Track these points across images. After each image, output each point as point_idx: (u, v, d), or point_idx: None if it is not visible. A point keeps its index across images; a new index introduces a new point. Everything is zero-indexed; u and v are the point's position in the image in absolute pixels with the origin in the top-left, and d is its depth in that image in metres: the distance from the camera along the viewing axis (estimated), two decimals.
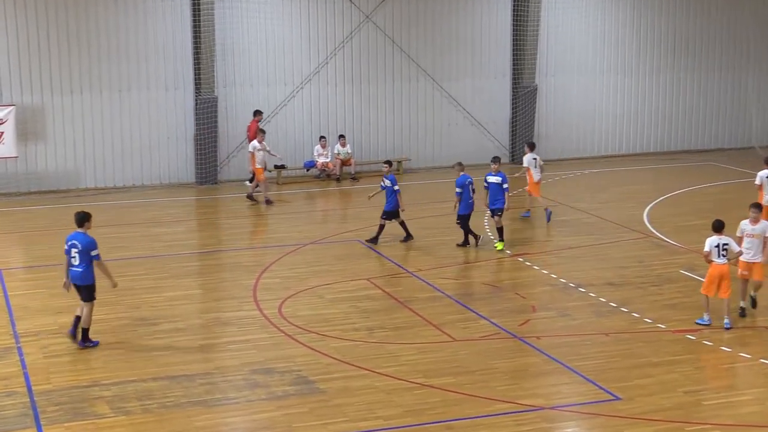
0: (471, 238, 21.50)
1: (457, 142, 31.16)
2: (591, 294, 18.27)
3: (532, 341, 15.88)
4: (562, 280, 19.16)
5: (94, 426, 12.83)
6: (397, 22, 30.21)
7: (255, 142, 26.23)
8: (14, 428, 12.81)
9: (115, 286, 15.72)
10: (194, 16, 27.95)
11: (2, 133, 26.48)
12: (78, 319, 15.57)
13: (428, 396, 13.74)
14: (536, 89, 31.56)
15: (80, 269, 15.34)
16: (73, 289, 15.64)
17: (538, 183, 24.07)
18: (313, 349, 15.51)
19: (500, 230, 21.34)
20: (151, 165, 28.46)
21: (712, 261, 16.31)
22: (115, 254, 20.32)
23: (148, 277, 19.06)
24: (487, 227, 22.91)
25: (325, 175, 29.48)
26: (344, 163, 29.42)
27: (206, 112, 28.23)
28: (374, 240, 21.75)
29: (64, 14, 27.10)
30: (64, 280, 15.58)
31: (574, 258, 20.78)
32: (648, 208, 25.44)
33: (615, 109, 33.09)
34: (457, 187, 21.26)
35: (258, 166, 26.10)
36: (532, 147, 24.44)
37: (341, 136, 29.51)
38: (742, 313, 16.97)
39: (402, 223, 21.86)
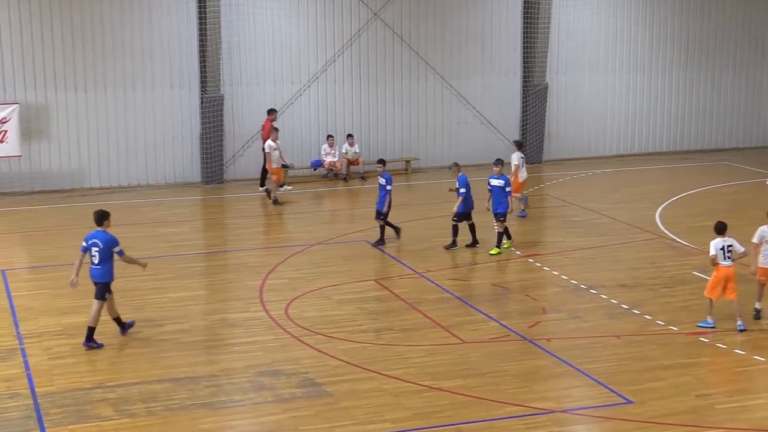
0: (456, 238, 21.38)
1: (467, 141, 31.04)
2: (602, 296, 18.20)
3: (543, 343, 15.80)
4: (573, 281, 19.07)
5: (98, 428, 12.81)
6: (406, 19, 30.13)
7: (270, 142, 26.02)
8: (17, 430, 12.81)
9: (145, 266, 16.13)
10: (200, 13, 27.89)
11: (5, 131, 26.40)
12: (117, 320, 15.93)
13: (437, 399, 13.68)
14: (547, 87, 31.42)
15: (99, 267, 15.47)
16: (82, 287, 15.72)
17: (523, 183, 24.07)
18: (320, 351, 15.45)
19: (500, 235, 21.17)
20: (156, 164, 28.38)
21: (718, 264, 16.21)
22: None
23: (153, 278, 18.95)
24: (496, 226, 22.72)
25: (333, 175, 29.40)
26: (352, 162, 29.26)
27: (212, 111, 28.15)
28: (380, 241, 21.66)
29: (68, 11, 27.05)
30: (73, 277, 15.60)
31: (585, 259, 20.71)
32: (660, 208, 25.33)
33: (627, 108, 32.96)
34: (461, 187, 21.13)
35: (275, 165, 25.87)
36: (519, 146, 24.59)
37: (349, 136, 29.39)
38: (757, 315, 16.84)
39: (383, 225, 21.68)
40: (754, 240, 16.52)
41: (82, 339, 15.60)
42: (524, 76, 31.49)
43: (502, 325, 16.63)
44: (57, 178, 27.57)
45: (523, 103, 31.63)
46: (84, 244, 15.56)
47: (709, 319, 16.40)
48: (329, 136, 29.30)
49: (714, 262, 16.25)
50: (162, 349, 15.57)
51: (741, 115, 34.32)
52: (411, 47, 30.23)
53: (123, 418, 13.06)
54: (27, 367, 14.75)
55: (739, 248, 16.27)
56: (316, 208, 26.75)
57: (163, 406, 13.39)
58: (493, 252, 20.97)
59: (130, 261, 15.89)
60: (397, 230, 21.94)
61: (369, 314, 17.24)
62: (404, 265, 20.25)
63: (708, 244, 16.43)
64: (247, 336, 16.16)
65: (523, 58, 31.37)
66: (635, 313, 17.23)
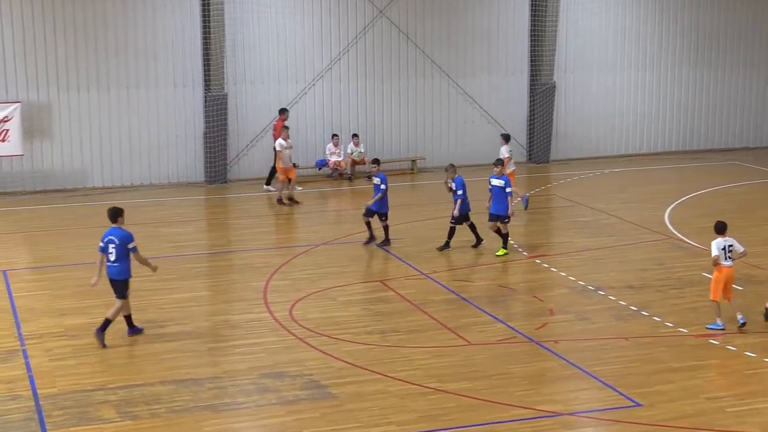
0: (454, 238, 21.30)
1: (473, 141, 30.92)
2: (610, 297, 18.13)
3: (550, 345, 15.74)
4: (580, 282, 19.00)
5: (100, 431, 12.78)
6: (412, 17, 30.02)
7: (281, 141, 25.87)
8: None
9: (155, 269, 16.19)
10: (204, 11, 27.81)
11: (7, 130, 26.32)
12: (128, 318, 15.97)
13: (443, 401, 13.63)
14: (555, 86, 31.31)
15: (117, 264, 15.55)
16: (99, 287, 15.78)
17: (512, 174, 24.09)
18: (324, 352, 15.41)
19: (506, 236, 21.05)
20: (159, 164, 28.31)
21: (720, 264, 16.17)
22: None
23: (156, 279, 18.86)
24: (489, 226, 22.65)
25: (338, 175, 29.30)
26: (357, 162, 29.13)
27: (216, 110, 28.05)
28: (386, 242, 21.57)
29: (71, 9, 26.98)
30: (94, 278, 15.68)
31: (592, 260, 20.64)
32: (669, 208, 25.25)
33: (636, 107, 32.82)
34: (458, 189, 21.04)
35: (284, 165, 25.71)
36: (507, 139, 24.93)
37: (355, 136, 29.28)
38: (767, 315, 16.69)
39: (368, 224, 21.56)
40: None
41: (84, 340, 15.68)
42: (531, 75, 31.38)
43: (508, 326, 16.57)
44: (59, 177, 27.50)
45: (530, 102, 31.52)
46: (101, 243, 15.64)
47: (719, 321, 16.33)
48: (334, 135, 29.19)
49: (716, 263, 16.20)
50: (165, 350, 15.53)
51: (752, 114, 34.15)
52: (417, 45, 30.11)
53: (125, 420, 13.03)
54: (28, 369, 14.71)
55: (739, 248, 16.27)
56: (321, 208, 26.69)
57: (167, 408, 13.35)
58: (499, 253, 20.85)
59: (142, 261, 15.89)
60: (371, 238, 21.61)
61: (374, 315, 17.19)
62: (410, 265, 20.17)
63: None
64: (250, 337, 16.11)
65: (531, 57, 31.25)
66: (643, 314, 17.15)
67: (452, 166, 21.53)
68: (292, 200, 25.95)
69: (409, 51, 30.10)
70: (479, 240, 21.28)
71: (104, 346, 15.51)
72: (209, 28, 27.64)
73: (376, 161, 22.41)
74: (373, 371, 14.60)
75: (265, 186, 27.58)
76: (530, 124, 31.50)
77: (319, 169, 29.37)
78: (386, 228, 21.58)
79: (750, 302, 17.29)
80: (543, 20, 30.73)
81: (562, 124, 31.88)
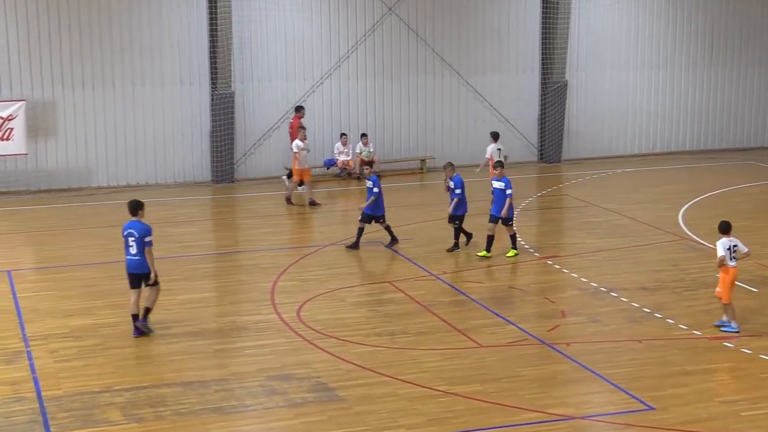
0: (463, 237, 21.19)
1: (483, 140, 30.59)
2: (623, 299, 18.02)
3: (562, 348, 15.64)
4: (592, 284, 18.91)
5: None
6: (422, 15, 29.98)
7: (298, 141, 25.58)
8: None
9: (155, 277, 15.97)
10: (211, 8, 27.81)
11: (12, 129, 26.32)
12: (135, 317, 15.97)
13: (453, 404, 13.55)
14: (566, 85, 31.24)
15: (138, 257, 15.72)
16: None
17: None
18: (332, 354, 15.34)
19: (513, 237, 20.93)
20: (165, 162, 28.29)
21: (726, 264, 16.09)
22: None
23: (162, 279, 18.62)
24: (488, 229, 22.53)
25: (346, 174, 29.22)
26: (366, 162, 28.94)
27: (222, 108, 28.00)
28: (393, 241, 21.48)
29: (76, 6, 26.98)
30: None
31: (605, 261, 20.56)
32: (683, 209, 25.17)
33: (649, 106, 32.76)
34: (457, 188, 20.90)
35: (300, 167, 25.39)
36: (495, 137, 25.05)
37: (363, 135, 29.15)
38: None
39: (360, 230, 21.37)
40: None
41: (89, 341, 15.71)
42: (543, 73, 31.32)
43: (519, 328, 16.48)
44: (64, 176, 27.47)
45: (541, 100, 31.46)
46: (123, 236, 15.84)
47: (733, 324, 16.22)
48: (342, 134, 29.11)
49: (722, 263, 16.10)
50: (171, 352, 15.47)
51: (767, 113, 34.00)
52: (427, 43, 30.04)
53: (131, 422, 12.97)
54: (33, 370, 14.66)
55: (743, 248, 16.21)
56: (329, 208, 26.59)
57: (173, 411, 13.30)
58: (509, 254, 20.74)
59: (150, 260, 15.86)
60: (356, 243, 21.34)
61: (383, 317, 17.12)
62: (419, 266, 20.09)
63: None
64: (258, 339, 16.06)
65: (542, 55, 31.20)
66: (657, 316, 17.04)
67: (450, 164, 21.40)
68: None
69: (418, 49, 30.04)
70: (456, 244, 21.08)
71: (151, 330, 15.92)
72: (216, 24, 27.62)
73: (369, 164, 22.31)
74: (381, 374, 14.52)
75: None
76: (541, 123, 31.43)
77: (328, 168, 29.30)
78: (388, 228, 21.47)
79: (765, 303, 17.22)
80: (554, 17, 30.67)
81: (574, 123, 31.80)
